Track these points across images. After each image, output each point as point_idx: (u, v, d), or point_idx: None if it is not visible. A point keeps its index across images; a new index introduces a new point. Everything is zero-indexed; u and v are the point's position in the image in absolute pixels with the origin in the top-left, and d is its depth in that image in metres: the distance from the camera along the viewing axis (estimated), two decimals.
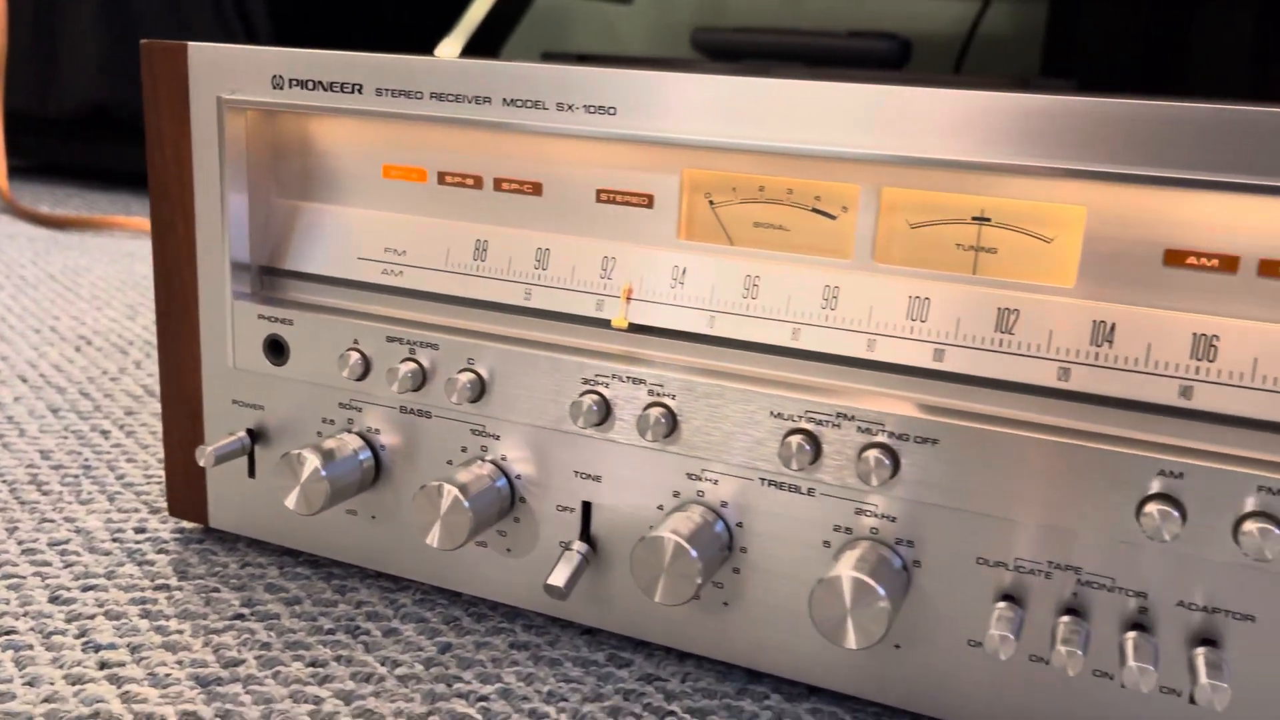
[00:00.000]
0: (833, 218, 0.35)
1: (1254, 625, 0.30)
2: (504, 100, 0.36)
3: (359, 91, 0.38)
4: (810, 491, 0.34)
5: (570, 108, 0.35)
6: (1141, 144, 0.29)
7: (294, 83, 0.38)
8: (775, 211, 0.36)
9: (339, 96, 0.38)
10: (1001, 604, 0.32)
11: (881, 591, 0.31)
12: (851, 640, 0.31)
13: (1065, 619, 0.31)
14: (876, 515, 0.34)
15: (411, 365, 0.38)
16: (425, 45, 1.51)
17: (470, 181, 0.39)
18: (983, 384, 0.33)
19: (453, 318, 0.39)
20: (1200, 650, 0.30)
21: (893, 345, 0.34)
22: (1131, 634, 0.31)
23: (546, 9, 1.84)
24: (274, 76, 0.39)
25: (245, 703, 0.34)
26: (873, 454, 0.32)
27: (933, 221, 0.34)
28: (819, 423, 0.33)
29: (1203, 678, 0.29)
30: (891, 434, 0.33)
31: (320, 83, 0.38)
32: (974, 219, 0.33)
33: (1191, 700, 0.31)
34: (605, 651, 0.38)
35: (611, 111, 0.34)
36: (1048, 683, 0.33)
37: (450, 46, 1.48)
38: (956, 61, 1.54)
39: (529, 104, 0.35)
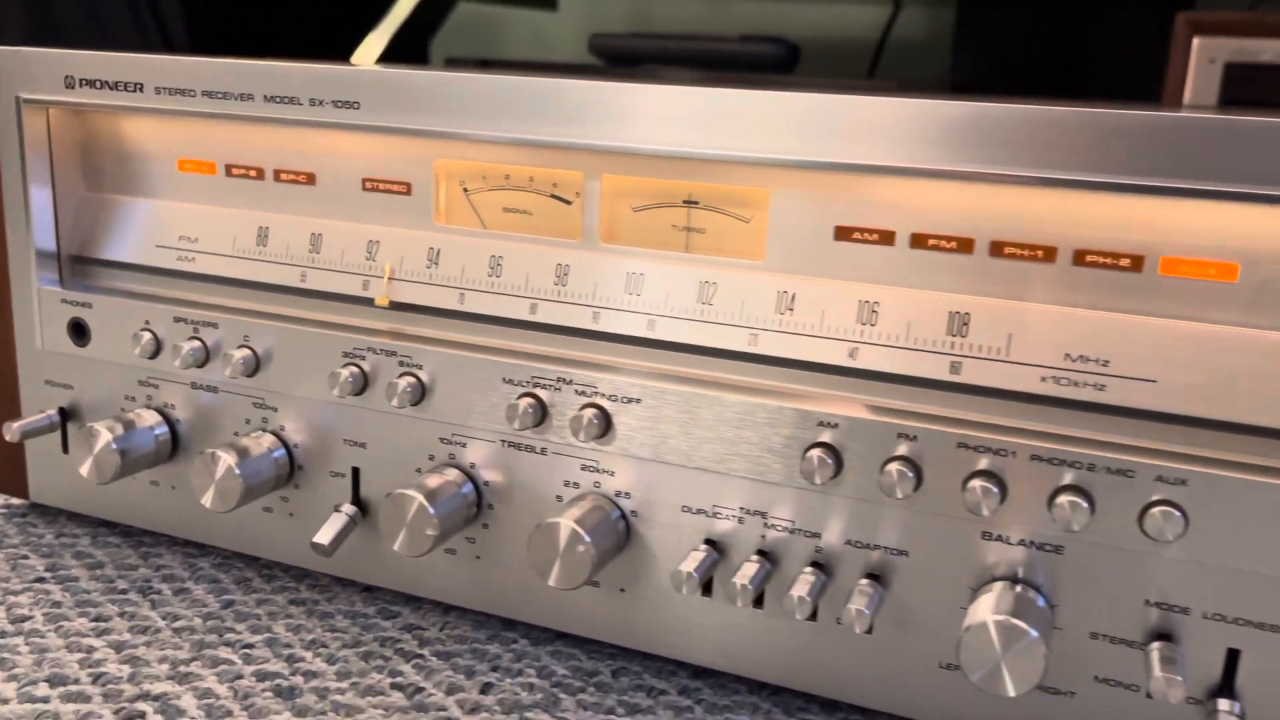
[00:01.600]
0: (568, 203, 0.38)
1: (907, 559, 0.34)
2: (264, 97, 0.39)
3: (140, 90, 0.41)
4: (544, 451, 0.38)
5: (320, 103, 0.38)
6: (813, 132, 0.33)
7: (84, 82, 0.42)
8: (520, 198, 0.39)
9: (123, 95, 0.41)
10: (702, 547, 0.36)
11: (587, 539, 0.35)
12: (554, 579, 0.35)
13: (754, 559, 0.35)
14: (598, 470, 0.37)
15: (195, 343, 0.41)
16: (347, 50, 1.54)
17: (253, 173, 0.42)
18: (687, 350, 0.36)
19: (239, 299, 0.42)
20: (864, 582, 0.34)
21: (614, 317, 0.37)
22: (809, 570, 0.34)
23: (479, 17, 1.86)
24: (66, 76, 0.42)
25: (22, 652, 0.37)
26: (588, 414, 0.36)
27: (650, 205, 0.37)
28: (544, 387, 0.37)
29: (854, 604, 0.32)
30: (604, 395, 0.36)
31: (106, 82, 0.41)
32: (684, 202, 0.37)
33: (869, 631, 0.34)
34: (378, 606, 0.41)
35: (356, 106, 0.38)
36: (754, 620, 0.36)
37: (368, 52, 1.50)
38: (870, 66, 1.59)
39: (286, 100, 0.39)
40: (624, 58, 1.17)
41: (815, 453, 0.33)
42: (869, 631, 0.34)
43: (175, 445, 0.43)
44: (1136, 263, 0.31)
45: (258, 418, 0.42)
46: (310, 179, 0.41)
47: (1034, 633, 0.30)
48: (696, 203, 0.37)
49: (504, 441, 0.38)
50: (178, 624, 0.39)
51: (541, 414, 0.37)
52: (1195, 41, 0.96)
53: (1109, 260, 0.32)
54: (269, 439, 0.41)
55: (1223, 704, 0.30)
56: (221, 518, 0.43)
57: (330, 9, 1.67)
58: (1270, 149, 0.28)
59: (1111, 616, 0.32)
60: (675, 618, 0.37)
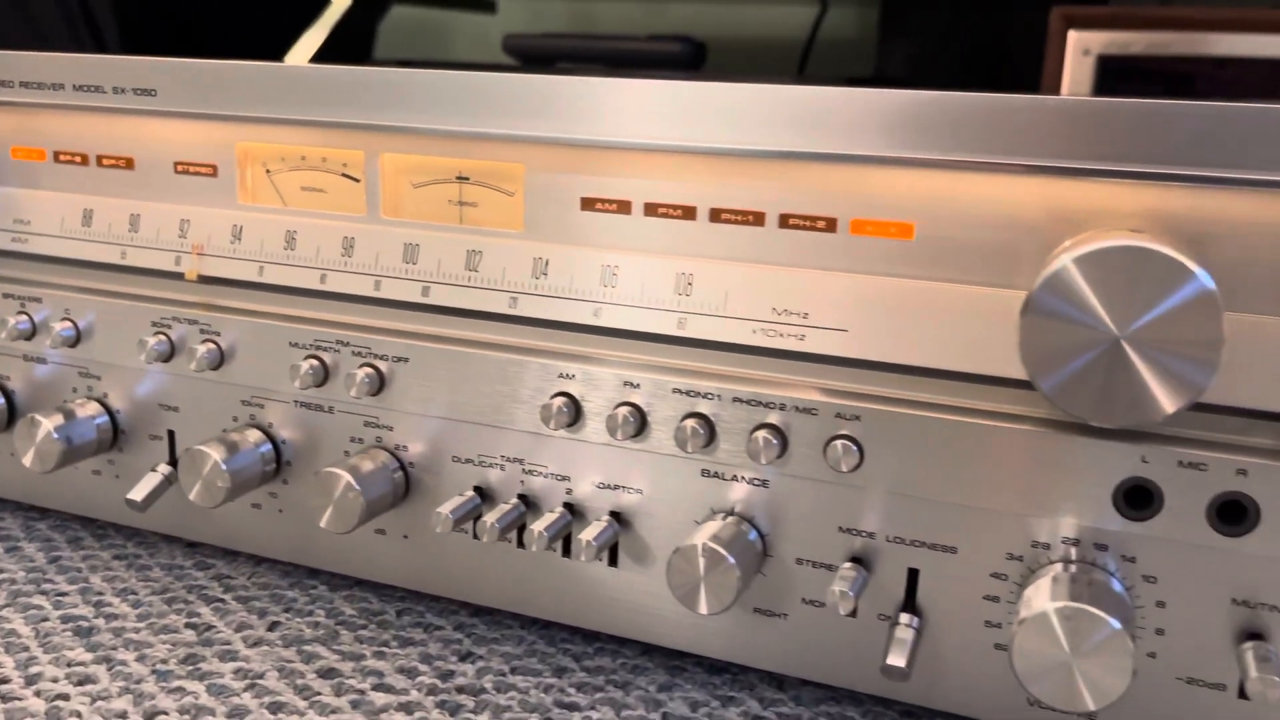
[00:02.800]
0: (357, 181, 0.42)
1: (642, 496, 0.37)
2: (73, 86, 0.42)
3: None
4: (330, 409, 0.41)
5: (121, 91, 0.41)
6: (559, 112, 0.36)
7: None
8: (316, 177, 0.42)
9: None
10: (469, 493, 0.39)
11: (357, 487, 0.38)
12: (326, 522, 0.38)
13: (513, 502, 0.38)
14: (379, 425, 0.40)
15: (22, 318, 0.44)
16: (279, 51, 1.57)
17: (79, 159, 0.45)
18: (456, 313, 0.39)
19: (68, 278, 0.45)
20: (605, 519, 0.37)
21: (393, 285, 0.40)
22: (559, 510, 0.38)
23: (423, 22, 1.89)
24: None
25: None
26: (362, 372, 0.39)
27: (428, 182, 0.41)
28: (325, 349, 0.40)
29: (585, 535, 0.36)
30: (376, 355, 0.39)
31: None
32: (457, 178, 0.40)
33: (614, 564, 0.37)
34: (196, 559, 0.44)
35: (153, 94, 0.41)
36: (523, 561, 0.39)
37: (301, 52, 1.53)
38: (800, 63, 1.62)
39: (92, 89, 0.42)
40: (536, 57, 1.21)
41: (557, 401, 0.37)
42: (613, 565, 0.38)
43: (12, 414, 0.46)
44: (830, 224, 0.35)
45: (84, 386, 0.45)
46: (129, 163, 0.44)
47: (731, 559, 0.33)
48: (468, 179, 0.40)
49: (296, 402, 0.41)
50: (0, 577, 0.42)
51: (324, 374, 0.40)
52: (1070, 35, 1.00)
53: (808, 223, 0.35)
54: (94, 406, 0.44)
55: (904, 618, 0.34)
56: (59, 483, 0.47)
57: (267, 10, 1.70)
58: (934, 120, 0.32)
59: (813, 543, 0.35)
60: (455, 561, 0.40)
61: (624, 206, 0.37)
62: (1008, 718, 0.34)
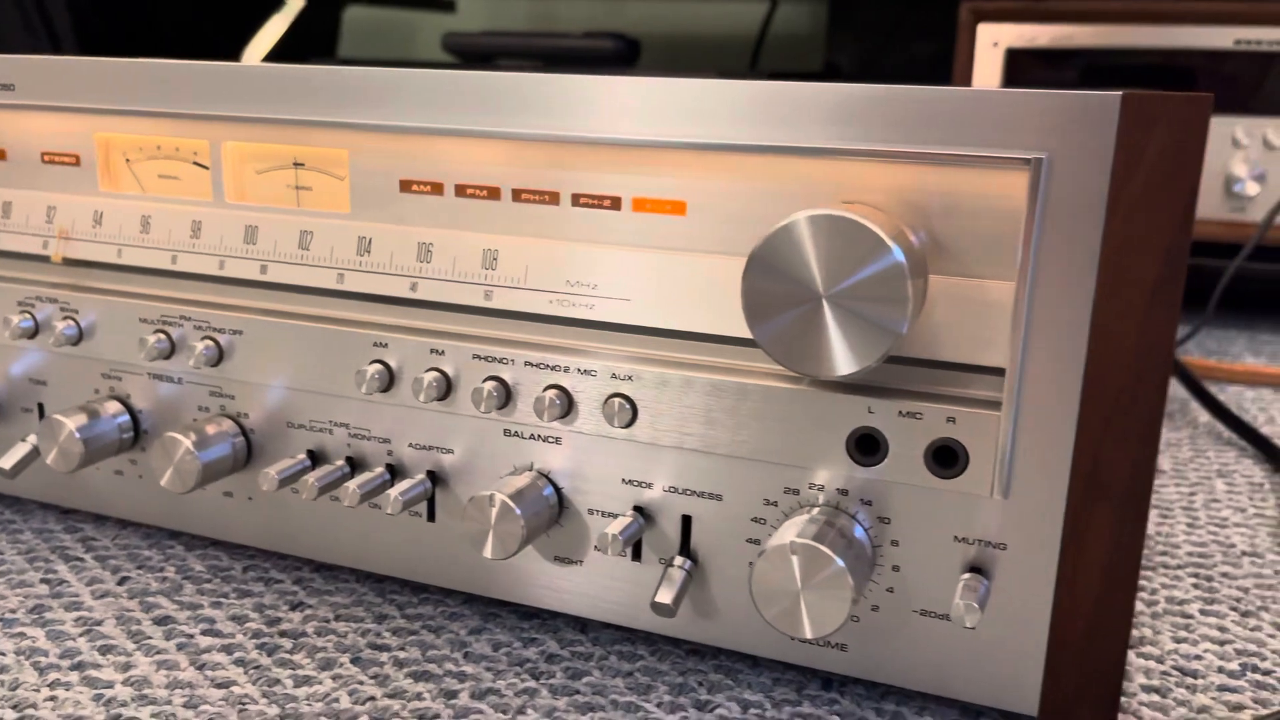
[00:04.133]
0: (206, 168, 0.45)
1: (453, 456, 0.40)
2: None
3: None
4: (180, 380, 0.44)
5: None
6: (373, 101, 0.39)
7: None
8: (171, 165, 0.45)
9: None
10: (300, 456, 0.42)
11: (194, 450, 0.41)
12: (166, 482, 0.41)
13: (340, 463, 0.41)
14: (222, 395, 0.43)
15: None
16: (234, 52, 1.60)
17: None
18: (291, 289, 0.42)
19: None
20: (421, 477, 0.40)
21: (237, 264, 0.43)
22: (380, 469, 0.41)
23: (384, 22, 1.92)
24: None
25: None
26: (201, 345, 0.42)
27: (269, 168, 0.44)
28: (171, 325, 0.43)
29: (396, 493, 0.39)
30: (215, 329, 0.42)
31: None
32: (294, 164, 0.43)
33: (432, 519, 0.40)
34: (68, 524, 0.47)
35: (11, 88, 0.44)
36: (351, 518, 0.42)
37: (255, 51, 1.56)
38: (752, 59, 1.65)
39: None
40: (475, 55, 1.23)
41: (372, 369, 0.40)
42: (431, 520, 0.41)
43: None
44: (615, 203, 0.38)
45: None
46: (2, 155, 0.47)
47: (518, 510, 0.36)
48: (303, 164, 0.43)
49: (150, 375, 0.44)
50: None
51: (170, 348, 0.43)
52: (979, 28, 1.03)
53: (595, 201, 0.38)
54: None
55: (678, 560, 0.37)
56: None
57: (217, 12, 1.72)
58: (700, 107, 0.35)
59: (602, 495, 0.38)
60: (297, 521, 0.43)
61: (437, 188, 0.40)
62: (775, 651, 0.37)
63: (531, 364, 0.38)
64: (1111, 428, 0.31)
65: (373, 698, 0.35)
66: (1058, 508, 0.32)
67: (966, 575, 0.33)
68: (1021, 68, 1.02)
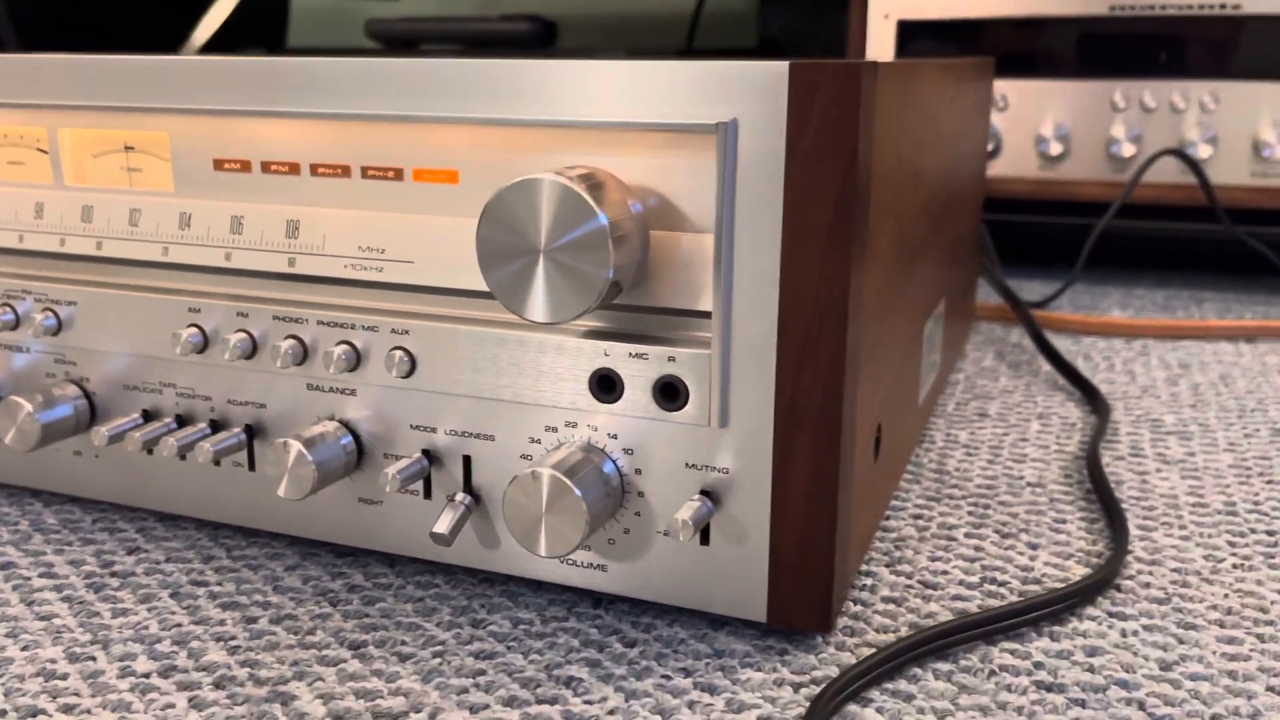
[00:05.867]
0: (46, 153, 0.48)
1: (267, 410, 0.44)
2: None
3: None
4: (28, 350, 0.48)
5: None
6: (195, 87, 0.43)
7: None
8: (16, 152, 0.49)
9: None
10: (135, 415, 0.46)
11: (34, 413, 0.45)
12: (10, 441, 0.45)
13: (167, 420, 0.45)
14: (65, 361, 0.47)
15: None
16: (175, 44, 1.63)
17: None
18: (127, 263, 0.46)
19: None
20: (236, 430, 0.44)
21: (76, 241, 0.47)
22: (202, 425, 0.45)
23: (330, 10, 1.94)
24: None
25: None
26: (41, 316, 0.46)
27: (105, 151, 0.47)
28: (15, 299, 0.47)
29: (208, 444, 0.43)
30: (53, 301, 0.46)
31: None
32: (125, 148, 0.47)
33: (248, 467, 0.44)
34: None
35: None
36: (188, 470, 0.46)
37: (197, 40, 1.59)
38: (688, 37, 1.68)
39: None
40: (398, 40, 1.27)
41: (186, 332, 0.43)
42: (252, 470, 0.45)
43: None
44: (399, 174, 0.41)
45: None
46: None
47: (309, 455, 0.40)
48: (133, 148, 0.47)
49: (2, 345, 0.48)
50: None
51: (15, 320, 0.47)
52: (871, 1, 1.06)
53: (381, 173, 0.42)
54: None
55: (459, 496, 0.41)
56: None
57: (158, 4, 1.75)
58: (449, 84, 0.39)
59: (397, 441, 0.42)
60: (136, 474, 0.47)
61: (245, 165, 0.44)
62: (550, 575, 0.41)
63: (324, 323, 0.42)
64: (803, 362, 0.35)
65: (179, 624, 0.39)
66: (767, 436, 0.36)
67: (695, 498, 0.37)
68: (912, 38, 1.06)
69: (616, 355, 0.37)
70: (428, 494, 0.42)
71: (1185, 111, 0.97)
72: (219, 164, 0.44)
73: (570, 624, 0.40)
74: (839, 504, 0.36)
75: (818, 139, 0.33)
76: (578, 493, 0.36)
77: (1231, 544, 0.46)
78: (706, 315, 0.37)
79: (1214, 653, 0.38)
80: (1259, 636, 0.38)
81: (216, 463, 0.45)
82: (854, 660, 0.37)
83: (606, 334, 0.38)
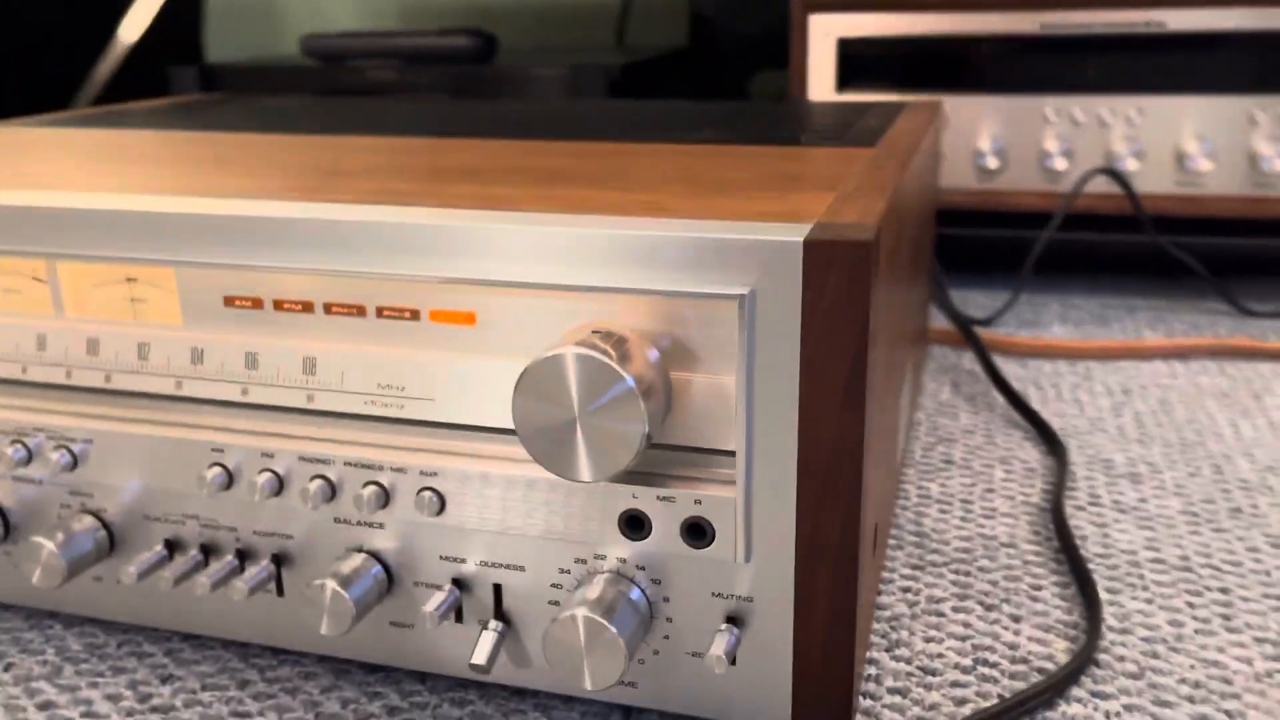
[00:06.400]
0: (44, 282, 0.48)
1: (293, 540, 0.45)
2: None
3: None
4: (41, 482, 0.48)
5: None
6: (206, 237, 0.43)
7: None
8: (15, 281, 0.49)
9: None
10: (157, 547, 0.47)
11: (57, 552, 0.46)
12: (38, 581, 0.46)
13: (193, 552, 0.46)
14: (80, 494, 0.48)
15: None
16: (105, 38, 1.58)
17: None
18: (137, 396, 0.47)
19: None
20: (265, 563, 0.45)
21: (83, 375, 0.48)
22: (229, 557, 0.46)
23: (255, 8, 1.89)
24: None
25: None
26: (56, 455, 0.47)
27: (105, 283, 0.48)
28: (26, 435, 0.47)
29: (241, 583, 0.44)
30: (67, 439, 0.47)
31: None
32: (126, 280, 0.47)
33: (276, 593, 0.46)
34: None
35: None
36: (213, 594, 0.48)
37: (123, 40, 1.55)
38: (617, 33, 1.68)
39: None
40: (334, 57, 1.25)
41: (211, 472, 0.45)
42: (280, 595, 0.46)
43: None
44: (415, 314, 0.43)
45: None
46: None
47: (345, 593, 0.42)
48: (135, 279, 0.47)
49: (13, 478, 0.49)
50: None
51: (29, 456, 0.47)
52: (810, 19, 1.08)
53: (397, 313, 0.43)
54: None
55: (491, 624, 0.43)
56: None
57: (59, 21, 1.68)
58: (467, 242, 0.40)
59: (426, 571, 0.44)
60: (159, 597, 0.48)
61: (257, 303, 0.45)
62: (581, 690, 0.44)
63: (350, 463, 0.43)
64: (823, 500, 0.38)
65: None
66: (789, 567, 0.39)
67: (723, 626, 0.40)
68: (853, 54, 1.08)
69: (644, 498, 0.40)
70: (459, 619, 0.44)
71: (1113, 126, 1.02)
72: (229, 300, 0.45)
73: None
74: (857, 618, 0.40)
75: (833, 309, 0.36)
76: (613, 630, 0.39)
77: (1190, 605, 0.50)
78: (729, 454, 0.39)
79: None
80: (1227, 713, 0.43)
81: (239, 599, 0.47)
82: None
83: (635, 475, 0.40)
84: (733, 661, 0.41)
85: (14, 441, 0.48)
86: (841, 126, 0.64)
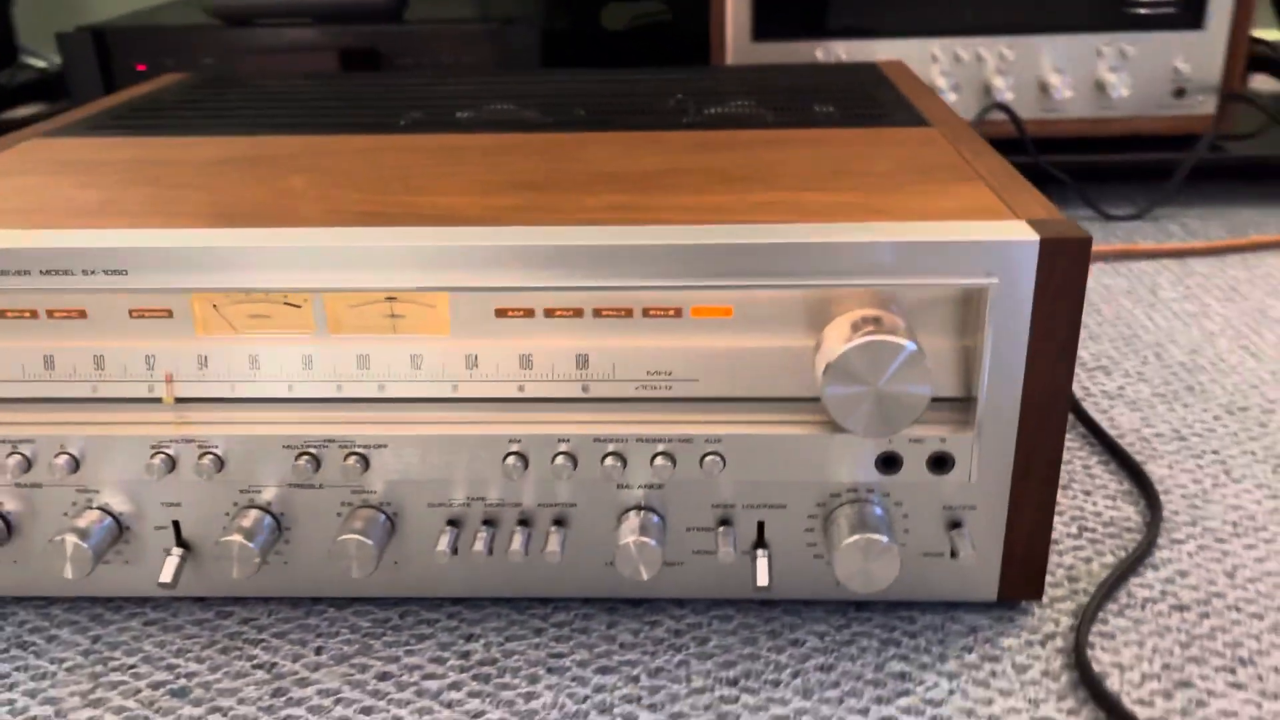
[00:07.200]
0: (299, 306, 0.53)
1: (575, 508, 0.54)
2: (41, 270, 0.50)
3: None
4: (320, 486, 0.54)
5: (91, 272, 0.50)
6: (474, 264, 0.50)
7: None
8: (262, 306, 0.53)
9: None
10: (444, 525, 0.54)
11: (365, 537, 0.52)
12: (356, 573, 0.52)
13: (486, 527, 0.54)
14: (363, 491, 0.54)
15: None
16: None
17: (27, 314, 0.53)
18: (412, 401, 0.53)
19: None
20: (553, 526, 0.54)
21: (354, 387, 0.53)
22: (518, 525, 0.54)
23: None
24: None
25: None
26: (350, 460, 0.52)
27: (363, 304, 0.53)
28: (315, 446, 0.53)
29: (516, 544, 0.52)
30: (360, 446, 0.53)
31: None
32: (386, 298, 0.53)
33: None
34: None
35: (124, 273, 0.50)
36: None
37: None
38: None
39: (61, 272, 0.50)
40: (241, 18, 1.22)
41: (509, 460, 0.52)
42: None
43: None
44: (678, 312, 0.52)
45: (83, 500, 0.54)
46: (82, 314, 0.53)
47: (651, 540, 0.51)
48: (395, 298, 0.53)
49: (290, 485, 0.54)
50: None
51: (315, 466, 0.53)
52: None
53: (662, 312, 0.52)
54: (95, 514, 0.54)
55: (759, 552, 0.54)
56: None
57: None
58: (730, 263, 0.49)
59: (697, 518, 0.54)
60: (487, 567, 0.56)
61: (529, 312, 0.52)
62: (826, 594, 0.55)
63: (641, 439, 0.52)
64: (1037, 437, 0.51)
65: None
66: (1005, 482, 0.52)
67: (953, 530, 0.53)
68: (769, 9, 1.19)
69: (899, 440, 0.51)
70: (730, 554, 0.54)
71: (988, 62, 1.18)
72: (501, 312, 0.52)
73: (854, 628, 0.54)
74: (1052, 516, 0.53)
75: (1059, 290, 0.48)
76: (884, 539, 0.50)
77: (1199, 466, 0.67)
78: (966, 400, 0.51)
79: None
80: (1265, 540, 0.60)
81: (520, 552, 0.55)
82: (1068, 609, 0.55)
83: None
84: (953, 555, 0.54)
85: (301, 454, 0.53)
86: (865, 99, 0.76)
